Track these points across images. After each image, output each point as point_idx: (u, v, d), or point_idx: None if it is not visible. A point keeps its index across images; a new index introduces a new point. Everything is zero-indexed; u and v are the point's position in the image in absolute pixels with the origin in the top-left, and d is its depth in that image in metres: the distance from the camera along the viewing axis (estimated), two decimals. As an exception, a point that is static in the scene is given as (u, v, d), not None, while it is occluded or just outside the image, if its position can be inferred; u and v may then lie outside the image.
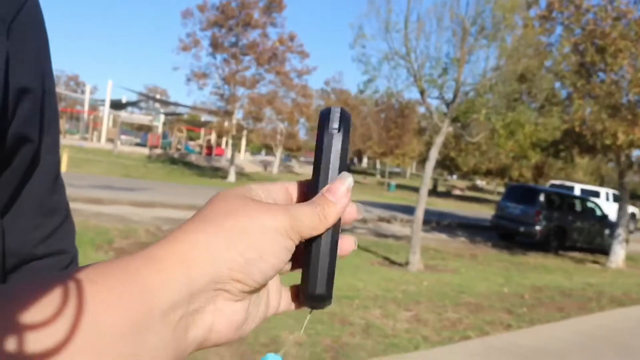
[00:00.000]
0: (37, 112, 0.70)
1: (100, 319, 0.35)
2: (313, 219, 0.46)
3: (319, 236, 0.49)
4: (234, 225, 0.43)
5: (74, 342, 0.33)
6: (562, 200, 19.32)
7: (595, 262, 16.55)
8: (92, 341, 0.34)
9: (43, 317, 0.33)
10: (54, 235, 0.75)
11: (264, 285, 0.45)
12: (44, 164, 0.74)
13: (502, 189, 48.23)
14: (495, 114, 12.68)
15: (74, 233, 0.79)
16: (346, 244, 0.52)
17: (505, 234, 19.39)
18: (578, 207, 19.46)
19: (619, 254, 15.73)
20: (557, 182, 33.52)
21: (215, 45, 31.32)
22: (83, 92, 56.68)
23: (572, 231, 18.70)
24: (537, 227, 17.89)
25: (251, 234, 0.43)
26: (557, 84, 15.94)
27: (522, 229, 18.24)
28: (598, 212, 19.87)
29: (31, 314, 0.33)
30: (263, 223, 0.43)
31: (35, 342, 0.32)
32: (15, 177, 0.70)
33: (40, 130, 0.71)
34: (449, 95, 12.18)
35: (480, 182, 71.35)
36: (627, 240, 16.23)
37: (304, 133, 60.09)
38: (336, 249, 0.51)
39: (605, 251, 17.36)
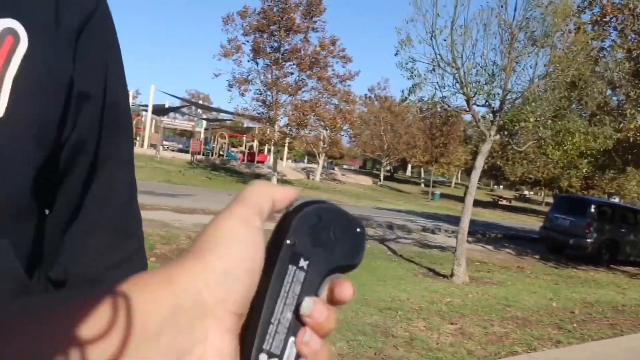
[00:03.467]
0: (97, 120, 0.73)
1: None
2: None
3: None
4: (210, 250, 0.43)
5: None
6: (614, 212, 18.72)
7: (649, 276, 15.99)
8: None
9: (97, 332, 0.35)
10: (125, 264, 0.75)
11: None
12: (116, 182, 0.78)
13: (550, 200, 47.36)
14: (544, 124, 12.32)
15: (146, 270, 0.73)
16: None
17: (554, 246, 18.90)
18: (631, 219, 18.83)
19: (675, 268, 15.16)
20: None
21: (256, 51, 31.32)
22: (127, 98, 57.79)
23: (625, 244, 18.09)
24: (588, 240, 17.37)
25: (219, 245, 0.42)
26: (609, 92, 15.49)
27: (571, 241, 17.74)
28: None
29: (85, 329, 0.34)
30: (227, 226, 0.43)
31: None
32: (75, 186, 0.74)
33: (99, 138, 0.74)
34: (495, 103, 11.90)
35: (527, 193, 70.28)
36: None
37: (346, 140, 60.04)
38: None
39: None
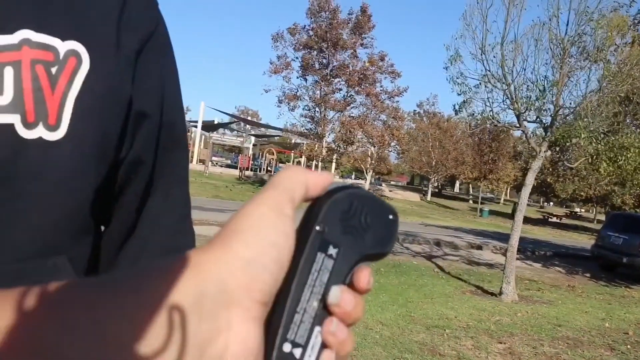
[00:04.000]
0: (154, 138, 0.76)
1: (122, 330, 0.34)
2: None
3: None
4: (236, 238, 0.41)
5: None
6: (670, 230, 18.14)
7: None
8: (113, 355, 0.34)
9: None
10: None
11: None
12: (171, 199, 0.81)
13: (602, 217, 46.20)
14: (596, 139, 12.05)
15: None
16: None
17: (606, 264, 18.39)
18: (689, 237, 18.20)
19: None
20: None
21: (305, 67, 31.54)
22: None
23: (681, 264, 17.48)
24: (642, 259, 16.85)
25: (246, 233, 0.40)
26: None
27: (625, 259, 17.19)
28: None
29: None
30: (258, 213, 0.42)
31: None
32: (131, 203, 0.77)
33: (155, 156, 0.77)
34: (546, 119, 11.70)
35: (579, 210, 68.72)
36: None
37: (394, 157, 59.76)
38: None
39: None
